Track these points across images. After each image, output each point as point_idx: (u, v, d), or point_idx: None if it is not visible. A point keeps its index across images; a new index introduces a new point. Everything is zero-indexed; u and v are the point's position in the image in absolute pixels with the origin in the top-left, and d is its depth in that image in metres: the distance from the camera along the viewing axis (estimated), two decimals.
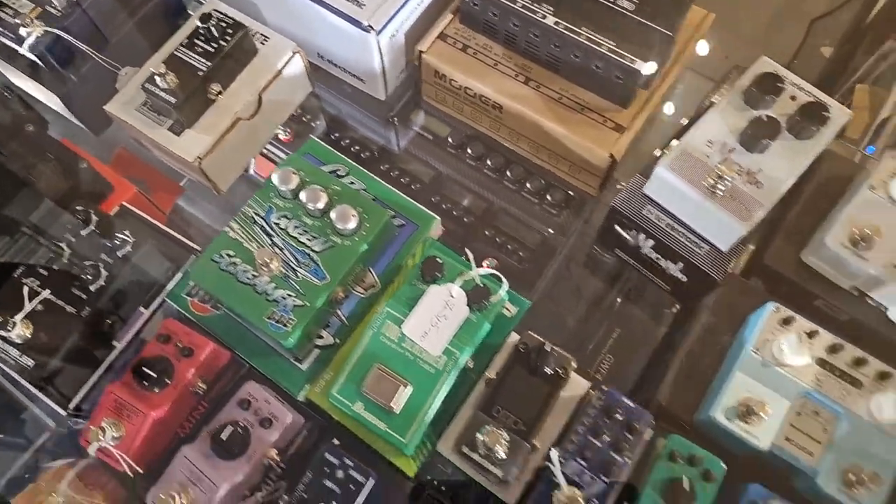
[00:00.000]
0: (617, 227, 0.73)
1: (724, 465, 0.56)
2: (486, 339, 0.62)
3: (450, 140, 0.88)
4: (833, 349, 0.59)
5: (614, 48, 0.71)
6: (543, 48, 0.76)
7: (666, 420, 0.62)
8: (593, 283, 0.87)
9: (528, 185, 0.85)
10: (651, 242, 0.71)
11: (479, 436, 0.56)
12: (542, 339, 0.60)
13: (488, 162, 0.87)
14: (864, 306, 0.65)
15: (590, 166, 0.77)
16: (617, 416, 0.57)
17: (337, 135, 0.92)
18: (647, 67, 0.70)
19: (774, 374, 0.59)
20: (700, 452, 0.56)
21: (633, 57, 0.70)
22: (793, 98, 0.67)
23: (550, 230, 0.85)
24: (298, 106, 0.88)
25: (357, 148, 0.91)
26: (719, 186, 0.63)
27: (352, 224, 0.62)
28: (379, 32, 0.78)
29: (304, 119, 0.94)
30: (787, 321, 0.61)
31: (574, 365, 0.60)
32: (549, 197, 0.84)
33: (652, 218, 0.70)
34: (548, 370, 0.59)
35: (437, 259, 0.61)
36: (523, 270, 0.82)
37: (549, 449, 0.55)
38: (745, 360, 0.60)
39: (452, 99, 0.85)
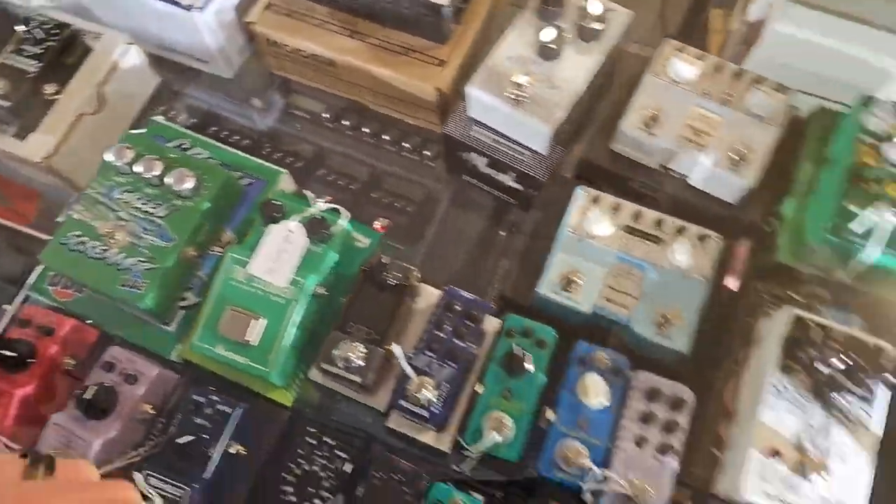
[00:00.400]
0: (457, 153, 0.80)
1: (554, 333, 0.63)
2: (339, 268, 0.67)
3: (324, 115, 0.91)
4: (636, 216, 0.68)
5: None
6: (358, 0, 0.81)
7: (511, 307, 0.68)
8: (474, 218, 0.92)
9: (404, 143, 0.89)
10: (485, 160, 0.78)
11: (335, 351, 0.61)
12: (382, 256, 0.66)
13: (365, 129, 0.90)
14: (670, 178, 0.74)
15: (424, 103, 0.83)
16: (457, 308, 0.64)
17: (214, 128, 0.92)
18: (447, 1, 0.76)
19: (589, 247, 0.67)
20: (532, 325, 0.64)
21: None
22: (580, 7, 0.75)
23: (430, 181, 0.89)
24: (169, 112, 0.90)
25: (237, 138, 0.91)
26: (522, 95, 0.70)
27: (188, 184, 0.66)
28: (203, 10, 0.82)
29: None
30: (595, 200, 0.69)
31: (418, 274, 0.66)
32: (426, 152, 0.88)
33: (479, 137, 0.77)
34: (392, 282, 0.65)
35: (275, 202, 0.66)
36: (413, 223, 0.87)
37: (392, 345, 0.61)
38: (564, 240, 0.67)
39: (291, 64, 0.89)
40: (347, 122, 0.91)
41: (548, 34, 0.71)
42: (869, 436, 0.55)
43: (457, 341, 0.63)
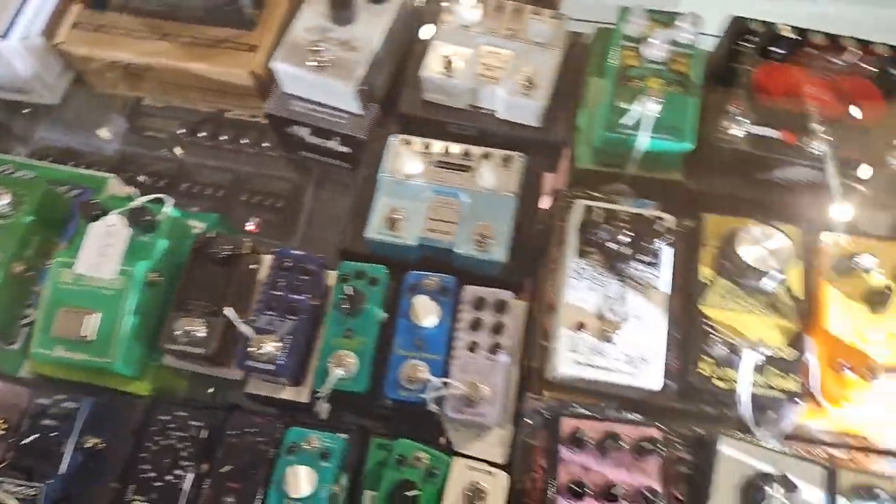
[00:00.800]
0: (283, 130, 0.83)
1: (385, 270, 0.68)
2: (175, 255, 0.70)
3: (179, 132, 0.92)
4: (445, 152, 0.73)
5: None
6: (157, 3, 0.84)
7: (349, 257, 0.72)
8: (339, 195, 0.95)
9: (263, 144, 0.91)
10: (308, 130, 0.82)
11: (175, 330, 0.63)
12: (211, 233, 0.69)
13: (223, 137, 0.92)
14: (481, 115, 0.80)
15: (245, 90, 0.87)
16: (288, 265, 0.67)
17: (73, 162, 0.90)
18: None
19: (406, 187, 0.72)
20: (364, 267, 0.68)
21: None
22: None
23: (292, 173, 0.91)
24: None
25: (86, 166, 0.89)
26: (323, 61, 0.75)
27: (4, 200, 0.67)
28: (6, 38, 0.82)
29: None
30: (407, 143, 0.74)
31: (250, 243, 0.70)
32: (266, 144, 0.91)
33: (298, 109, 0.81)
34: (223, 254, 0.68)
35: (92, 201, 0.67)
36: (285, 217, 0.90)
37: (225, 310, 0.63)
38: (383, 184, 0.72)
39: (113, 79, 0.90)
40: (204, 133, 0.92)
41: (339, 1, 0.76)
42: (659, 294, 0.62)
43: (294, 296, 0.66)
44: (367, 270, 0.68)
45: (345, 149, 0.83)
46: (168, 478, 0.60)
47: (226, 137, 0.94)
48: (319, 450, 0.60)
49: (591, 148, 0.74)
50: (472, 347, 0.64)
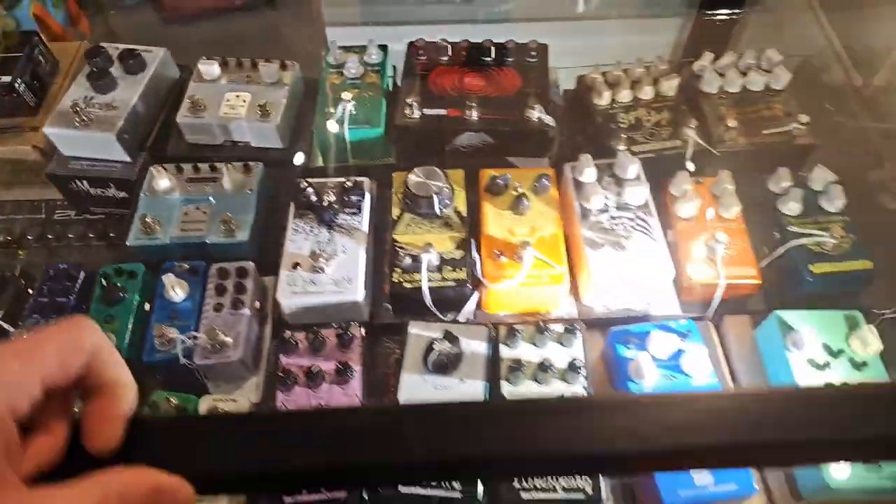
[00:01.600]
0: (67, 187, 0.97)
1: (142, 266, 0.81)
2: None
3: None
4: (195, 169, 0.90)
5: None
6: None
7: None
8: None
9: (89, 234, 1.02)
10: (87, 182, 0.96)
11: None
12: None
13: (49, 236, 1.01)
14: (238, 147, 0.98)
15: (35, 165, 1.01)
16: (52, 275, 0.79)
17: None
18: (18, 81, 0.97)
19: (163, 201, 0.87)
20: (123, 266, 0.81)
21: None
22: (122, 52, 0.99)
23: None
24: None
25: None
26: (87, 120, 0.91)
27: None
28: None
29: None
30: (163, 169, 0.90)
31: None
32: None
33: (76, 167, 0.96)
34: None
35: None
36: None
37: None
38: (141, 203, 0.87)
39: None
40: (31, 237, 1.03)
41: (95, 75, 0.94)
42: (360, 233, 0.79)
43: (60, 299, 0.77)
44: (125, 268, 0.80)
45: (122, 194, 0.97)
46: None
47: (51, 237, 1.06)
48: None
49: (320, 149, 0.93)
50: (218, 308, 0.77)
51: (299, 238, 0.79)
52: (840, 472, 0.65)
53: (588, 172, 0.82)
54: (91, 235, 1.00)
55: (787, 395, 0.40)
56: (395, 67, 1.03)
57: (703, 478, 0.64)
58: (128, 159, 0.97)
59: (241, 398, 0.74)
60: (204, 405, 0.70)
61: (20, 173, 1.04)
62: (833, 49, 1.12)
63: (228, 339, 0.74)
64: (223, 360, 0.73)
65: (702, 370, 0.70)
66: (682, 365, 0.71)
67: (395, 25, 1.26)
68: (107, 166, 0.97)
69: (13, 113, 1.01)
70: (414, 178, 0.80)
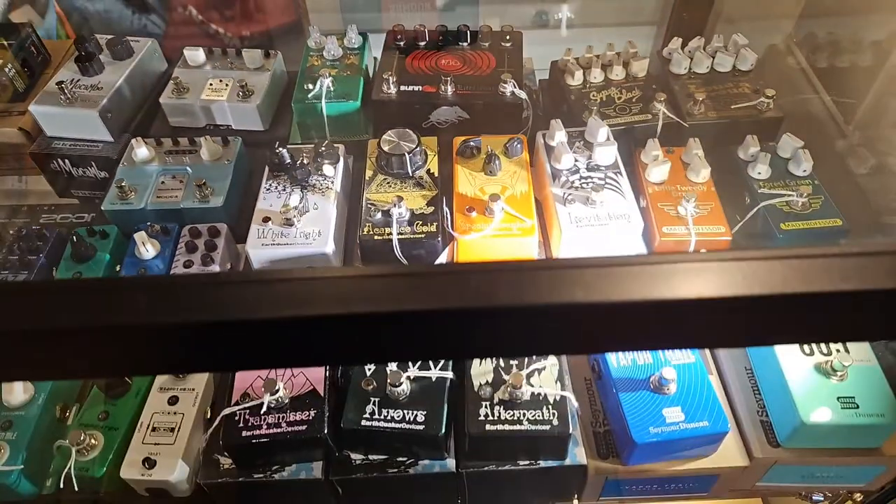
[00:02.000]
0: (48, 166, 0.99)
1: (115, 229, 0.81)
2: None
3: None
4: (174, 143, 0.92)
5: None
6: None
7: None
8: None
9: None
10: (69, 161, 0.98)
11: None
12: None
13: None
14: (220, 130, 1.00)
15: (22, 147, 1.03)
16: (22, 234, 0.79)
17: None
18: (11, 72, 1.00)
19: (141, 171, 0.89)
20: (97, 227, 0.81)
21: None
22: (109, 40, 1.03)
23: None
24: None
25: None
26: (70, 98, 0.94)
27: None
28: None
29: None
30: (144, 141, 0.91)
31: None
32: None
33: (58, 146, 0.98)
34: None
35: None
36: None
37: None
38: (119, 172, 0.88)
39: None
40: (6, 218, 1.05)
41: (82, 59, 0.98)
42: (333, 192, 0.80)
43: (30, 257, 0.78)
44: (97, 228, 0.81)
45: (104, 174, 0.99)
46: None
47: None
48: None
49: (298, 127, 0.96)
50: (188, 265, 0.77)
51: (271, 196, 0.80)
52: (818, 415, 0.64)
53: (559, 135, 0.84)
54: (69, 216, 1.02)
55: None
56: (375, 59, 1.07)
57: (673, 414, 0.62)
58: (110, 139, 0.99)
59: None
60: None
61: (6, 159, 1.06)
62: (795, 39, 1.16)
63: None
64: None
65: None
66: None
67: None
68: (89, 146, 0.99)
69: (1, 96, 1.05)
70: (387, 137, 0.82)
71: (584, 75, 0.98)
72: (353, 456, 0.64)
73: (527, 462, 0.63)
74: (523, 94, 0.92)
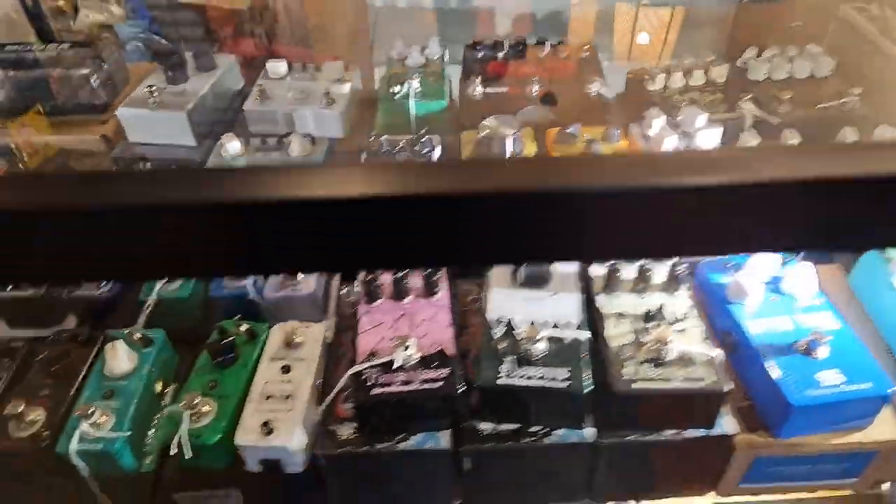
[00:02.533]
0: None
1: None
2: None
3: None
4: (262, 142, 0.92)
5: None
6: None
7: None
8: None
9: None
10: (150, 165, 0.99)
11: None
12: None
13: None
14: (298, 136, 1.02)
15: (99, 154, 1.04)
16: None
17: None
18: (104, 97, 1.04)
19: (233, 163, 0.88)
20: None
21: None
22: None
23: None
24: None
25: None
26: (159, 101, 0.96)
27: None
28: None
29: None
30: (233, 137, 0.92)
31: None
32: None
33: (140, 151, 0.99)
34: None
35: None
36: None
37: None
38: (210, 163, 0.88)
39: None
40: None
41: (169, 66, 1.01)
42: None
43: None
44: None
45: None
46: None
47: None
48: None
49: (381, 129, 0.98)
50: None
51: None
52: None
53: (656, 123, 0.84)
54: None
55: None
56: (450, 81, 1.10)
57: (830, 377, 0.58)
58: (193, 143, 1.00)
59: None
60: (277, 329, 0.66)
61: (86, 166, 1.07)
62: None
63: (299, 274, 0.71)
64: (296, 293, 0.70)
65: (807, 290, 0.67)
66: (784, 286, 0.67)
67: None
68: (171, 151, 1.00)
69: (88, 111, 1.07)
70: (489, 122, 0.83)
71: (664, 80, 1.01)
72: (482, 427, 0.60)
73: (672, 432, 0.59)
74: (609, 93, 0.94)
